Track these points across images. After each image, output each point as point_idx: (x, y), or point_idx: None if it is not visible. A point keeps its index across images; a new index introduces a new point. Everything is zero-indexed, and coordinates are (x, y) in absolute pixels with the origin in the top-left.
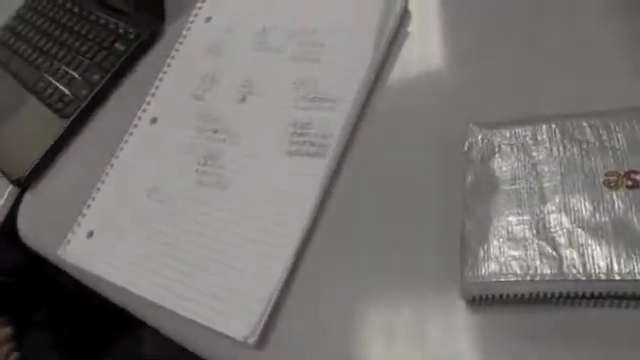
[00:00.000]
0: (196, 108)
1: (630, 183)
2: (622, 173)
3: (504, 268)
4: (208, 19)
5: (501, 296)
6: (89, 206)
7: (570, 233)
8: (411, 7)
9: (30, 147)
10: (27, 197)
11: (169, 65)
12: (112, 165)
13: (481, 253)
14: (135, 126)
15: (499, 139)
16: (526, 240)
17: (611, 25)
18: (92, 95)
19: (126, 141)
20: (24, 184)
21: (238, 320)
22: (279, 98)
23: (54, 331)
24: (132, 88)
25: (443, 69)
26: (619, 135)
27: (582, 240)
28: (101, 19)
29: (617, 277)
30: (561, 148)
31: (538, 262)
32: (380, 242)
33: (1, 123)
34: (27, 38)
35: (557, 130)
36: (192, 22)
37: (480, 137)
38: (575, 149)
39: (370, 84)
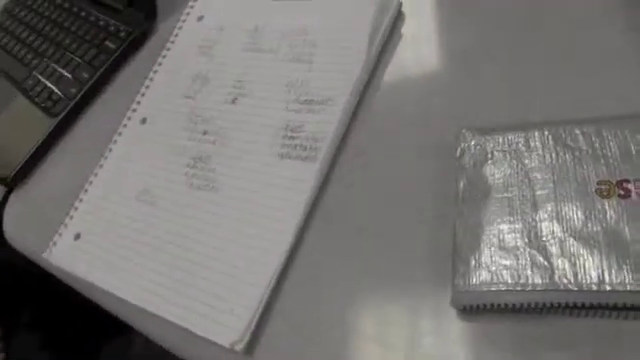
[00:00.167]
0: (187, 109)
1: (622, 192)
2: (614, 182)
3: (495, 277)
4: (200, 18)
5: (492, 305)
6: (76, 208)
7: (562, 242)
8: (405, 8)
9: (17, 146)
10: (13, 197)
11: (160, 64)
12: (101, 166)
13: (472, 261)
14: (125, 126)
15: (492, 145)
16: (518, 249)
17: (608, 29)
18: (81, 94)
19: (115, 141)
20: (10, 184)
21: (226, 326)
22: (271, 100)
23: (42, 332)
24: (122, 87)
25: (437, 72)
26: (611, 143)
27: (574, 250)
28: (91, 16)
29: (608, 288)
30: (554, 155)
31: (529, 271)
32: (371, 248)
33: None
34: (15, 34)
35: (550, 137)
36: (184, 21)
37: (473, 143)
38: (568, 156)
39: (363, 86)
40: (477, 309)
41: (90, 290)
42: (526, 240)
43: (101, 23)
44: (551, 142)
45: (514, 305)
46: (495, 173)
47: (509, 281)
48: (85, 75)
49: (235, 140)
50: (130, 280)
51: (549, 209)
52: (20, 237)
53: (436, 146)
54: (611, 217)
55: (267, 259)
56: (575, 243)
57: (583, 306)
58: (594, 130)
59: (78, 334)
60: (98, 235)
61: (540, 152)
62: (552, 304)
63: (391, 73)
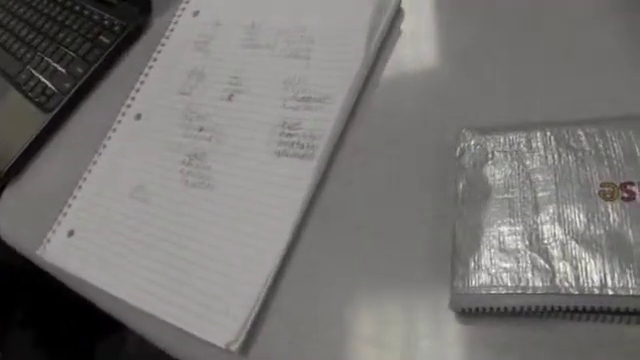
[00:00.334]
0: (182, 105)
1: (626, 195)
2: (618, 184)
3: (495, 280)
4: (196, 13)
5: (491, 309)
6: (70, 204)
7: (564, 245)
8: (404, 5)
9: (10, 141)
10: (6, 193)
11: (155, 59)
12: (94, 162)
13: (472, 264)
14: (119, 122)
15: (492, 145)
16: (518, 251)
17: (608, 30)
18: (75, 89)
19: (109, 137)
20: (4, 180)
21: (221, 326)
22: (267, 97)
23: (36, 329)
24: (117, 82)
25: (436, 69)
26: (615, 145)
27: (576, 253)
28: (86, 10)
29: (610, 292)
30: (556, 156)
31: (530, 274)
32: (369, 247)
33: None
34: (8, 27)
35: (552, 138)
36: (179, 16)
37: (473, 142)
38: (570, 158)
39: (361, 83)
40: (476, 312)
41: (84, 288)
42: (527, 242)
43: (95, 17)
44: (553, 143)
45: (514, 308)
46: (495, 174)
47: (509, 284)
48: (79, 70)
49: (231, 137)
50: (124, 278)
51: (551, 211)
52: (13, 233)
53: (435, 144)
54: (614, 220)
55: (263, 258)
56: (577, 246)
57: (584, 310)
58: (597, 131)
59: (72, 331)
60: (92, 232)
61: (542, 153)
62: (553, 308)
63: (390, 70)
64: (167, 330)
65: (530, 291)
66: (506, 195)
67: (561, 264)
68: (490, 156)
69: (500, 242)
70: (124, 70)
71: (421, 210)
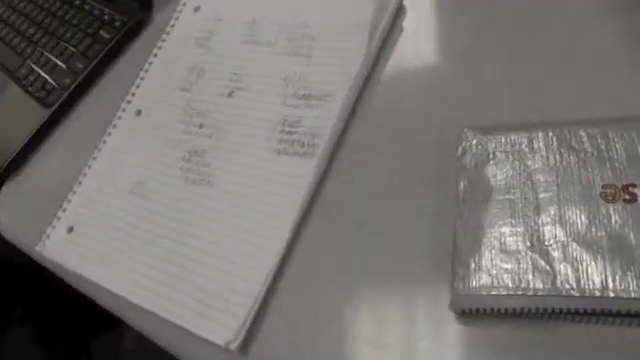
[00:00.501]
0: (182, 101)
1: (628, 197)
2: (620, 186)
3: (495, 281)
4: (197, 9)
5: (492, 310)
6: (69, 200)
7: (565, 247)
8: (406, 2)
9: (10, 136)
10: (6, 188)
11: (155, 55)
12: (94, 158)
13: (472, 264)
14: (119, 118)
15: (494, 145)
16: (519, 252)
17: (608, 30)
18: (75, 84)
19: (109, 133)
20: (3, 175)
21: (221, 324)
22: (268, 94)
23: (35, 325)
24: (117, 78)
25: (438, 67)
26: (617, 146)
27: (577, 255)
28: (86, 4)
29: (611, 294)
30: (558, 157)
31: (531, 276)
32: (369, 245)
33: None
34: (8, 21)
35: (554, 138)
36: (180, 11)
37: (474, 142)
38: (572, 159)
39: (362, 81)
40: (476, 313)
41: (83, 284)
42: (528, 244)
43: (96, 12)
44: (555, 143)
45: (514, 310)
46: (497, 174)
47: (510, 285)
48: (79, 65)
49: (231, 134)
50: (123, 274)
51: (552, 212)
52: (12, 229)
53: (436, 142)
54: (616, 222)
55: (263, 256)
56: (578, 248)
57: (585, 312)
58: (600, 132)
59: (70, 327)
60: (91, 228)
61: (544, 154)
62: (553, 310)
63: (391, 68)
64: (166, 328)
65: (531, 292)
66: (507, 196)
67: (562, 266)
68: (492, 156)
69: (501, 243)
70: (124, 66)
71: (421, 208)
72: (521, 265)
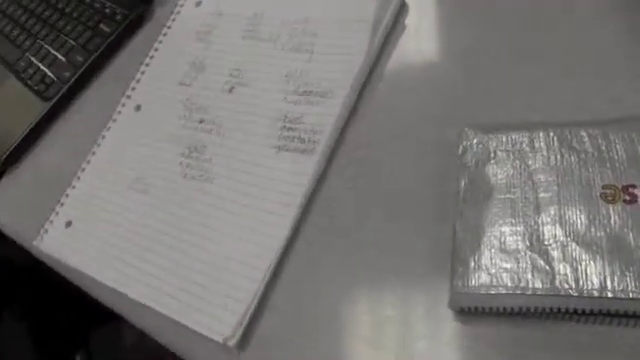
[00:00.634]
0: (182, 96)
1: (627, 198)
2: (619, 187)
3: (495, 280)
4: (198, 3)
5: (491, 308)
6: (68, 195)
7: (564, 247)
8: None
9: (8, 130)
10: (4, 182)
11: (156, 50)
12: (94, 152)
13: (472, 263)
14: (119, 112)
15: (495, 144)
16: (519, 252)
17: (610, 28)
18: (75, 78)
19: (109, 128)
20: (1, 168)
21: (219, 321)
22: (269, 90)
23: (32, 321)
24: (117, 72)
25: (440, 65)
26: (618, 147)
27: (576, 255)
28: None
29: (610, 295)
30: (558, 157)
31: (530, 275)
32: (369, 243)
33: None
34: (7, 14)
35: (555, 138)
36: (182, 5)
37: (475, 141)
38: (573, 159)
39: (364, 78)
40: (475, 311)
41: (81, 279)
42: (527, 243)
43: (97, 5)
44: (556, 143)
45: (513, 309)
46: (498, 173)
47: (509, 284)
48: (79, 58)
49: (232, 130)
50: (121, 270)
51: (552, 212)
52: (10, 223)
53: (437, 141)
54: (615, 222)
55: (262, 252)
56: (577, 248)
57: (584, 312)
58: (600, 132)
59: (68, 323)
60: (90, 223)
61: (545, 153)
62: (552, 309)
63: (393, 66)
64: (165, 324)
65: (530, 292)
66: (508, 195)
67: (561, 265)
68: (492, 155)
69: (501, 242)
70: (125, 60)
71: (422, 206)
72: (520, 264)
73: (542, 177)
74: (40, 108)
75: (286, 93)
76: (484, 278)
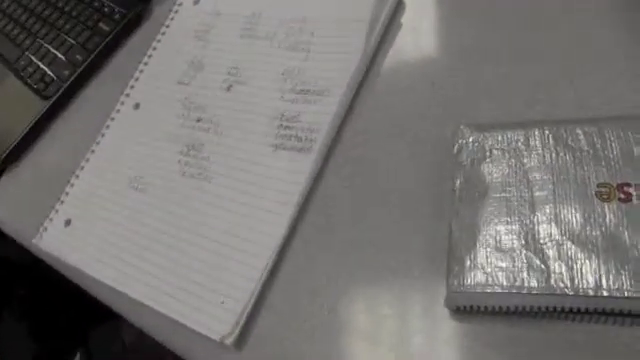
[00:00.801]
0: (181, 95)
1: (622, 196)
2: (615, 185)
3: (490, 279)
4: (196, 2)
5: (486, 307)
6: (67, 193)
7: (559, 245)
8: None
9: (8, 128)
10: (3, 181)
11: (155, 49)
12: (93, 151)
13: (467, 262)
14: (118, 111)
15: (490, 142)
16: (514, 251)
17: (610, 27)
18: (74, 76)
19: (108, 126)
20: (1, 167)
21: (217, 319)
22: (266, 88)
23: (32, 319)
24: (116, 71)
25: (436, 64)
26: (613, 145)
27: (571, 253)
28: None
29: (605, 293)
30: (554, 155)
31: (525, 274)
32: (366, 241)
33: None
34: (7, 12)
35: (550, 136)
36: (180, 4)
37: (471, 140)
38: (568, 157)
39: (360, 77)
40: (471, 310)
41: (80, 278)
42: (523, 242)
43: (95, 4)
44: (551, 141)
45: (508, 308)
46: (493, 172)
47: (504, 283)
48: (78, 57)
49: (229, 128)
50: (120, 268)
51: (547, 211)
52: (10, 221)
53: (433, 139)
54: (610, 221)
55: (260, 251)
56: (573, 247)
57: (579, 311)
58: (596, 130)
59: (67, 321)
60: (89, 221)
61: (540, 151)
62: (547, 308)
63: (390, 64)
64: (163, 322)
65: (525, 291)
66: (503, 194)
67: (557, 264)
68: (488, 154)
69: (496, 241)
70: (123, 58)
71: (418, 205)
72: (516, 263)
73: (537, 175)
74: (40, 107)
75: (283, 92)
76: (480, 277)
